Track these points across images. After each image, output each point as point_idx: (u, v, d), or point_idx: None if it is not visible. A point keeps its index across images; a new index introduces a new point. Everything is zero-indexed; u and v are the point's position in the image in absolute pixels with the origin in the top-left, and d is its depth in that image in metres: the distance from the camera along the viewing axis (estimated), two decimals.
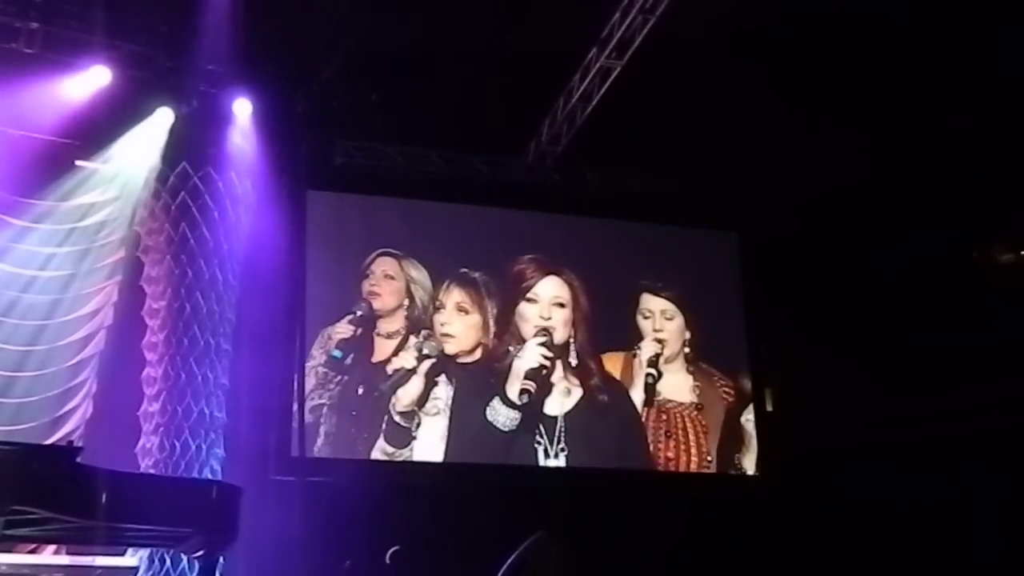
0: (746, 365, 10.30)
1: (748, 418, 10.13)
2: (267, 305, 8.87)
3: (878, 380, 9.72)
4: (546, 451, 9.43)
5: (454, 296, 9.63)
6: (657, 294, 10.16)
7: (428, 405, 9.25)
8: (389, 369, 9.27)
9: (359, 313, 9.35)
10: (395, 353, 9.33)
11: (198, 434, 8.55)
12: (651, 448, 9.80)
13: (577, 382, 9.70)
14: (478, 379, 9.46)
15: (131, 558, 7.24)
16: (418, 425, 9.20)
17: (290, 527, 8.03)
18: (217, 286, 8.91)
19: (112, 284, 8.58)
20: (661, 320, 10.11)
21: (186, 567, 8.04)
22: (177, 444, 8.46)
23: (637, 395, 9.85)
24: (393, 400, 9.17)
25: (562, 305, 9.84)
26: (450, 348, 9.46)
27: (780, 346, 10.35)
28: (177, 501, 6.11)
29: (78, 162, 8.59)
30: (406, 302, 9.52)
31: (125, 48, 8.47)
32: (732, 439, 10.02)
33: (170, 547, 7.15)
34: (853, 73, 8.75)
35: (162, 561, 8.07)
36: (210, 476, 8.39)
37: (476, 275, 9.71)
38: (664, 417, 9.88)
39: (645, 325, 10.08)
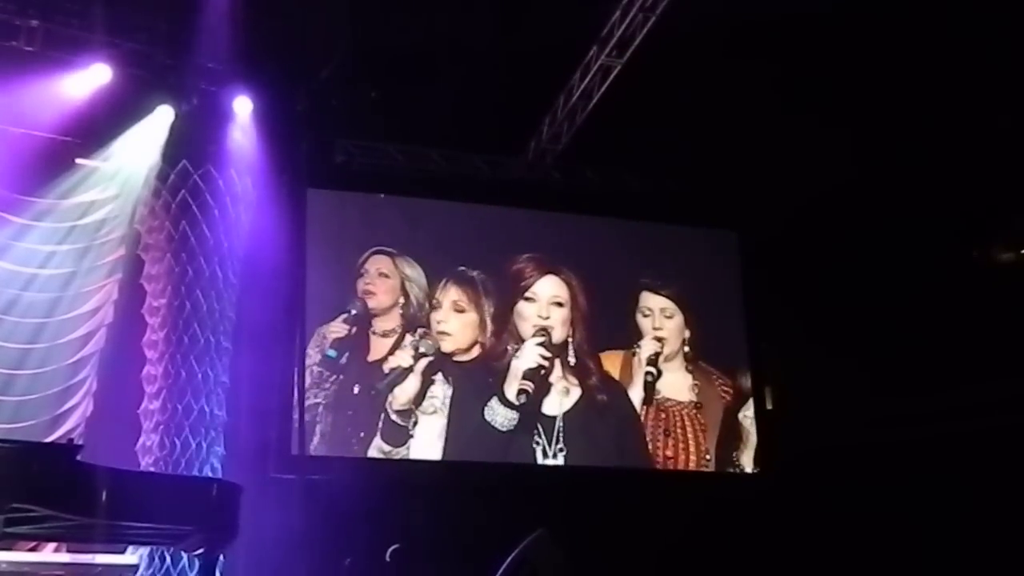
0: (745, 364, 10.30)
1: (747, 415, 10.13)
2: (267, 303, 8.86)
3: (878, 379, 9.72)
4: (544, 451, 9.43)
5: (451, 294, 9.61)
6: (657, 292, 10.15)
7: (425, 403, 9.24)
8: (385, 368, 9.25)
9: (354, 312, 9.32)
10: (391, 351, 9.30)
11: (198, 432, 8.55)
12: (650, 447, 9.80)
13: (576, 382, 9.69)
14: (476, 378, 9.45)
15: (131, 556, 7.21)
16: (415, 424, 9.18)
17: (290, 525, 8.04)
18: (217, 284, 8.90)
19: (112, 282, 8.57)
20: (661, 318, 10.11)
21: (186, 565, 8.03)
22: (177, 442, 8.46)
23: (636, 394, 9.85)
24: (390, 399, 9.16)
25: (560, 304, 9.83)
26: (446, 346, 9.44)
27: (780, 345, 10.35)
28: (177, 499, 6.11)
29: (78, 160, 8.57)
30: (401, 300, 9.50)
31: (125, 46, 8.45)
32: (731, 437, 10.03)
33: (170, 545, 7.15)
34: (854, 72, 8.74)
35: (162, 559, 8.07)
36: (210, 474, 8.41)
37: (474, 274, 9.70)
38: (663, 416, 9.88)
39: (645, 323, 10.08)
